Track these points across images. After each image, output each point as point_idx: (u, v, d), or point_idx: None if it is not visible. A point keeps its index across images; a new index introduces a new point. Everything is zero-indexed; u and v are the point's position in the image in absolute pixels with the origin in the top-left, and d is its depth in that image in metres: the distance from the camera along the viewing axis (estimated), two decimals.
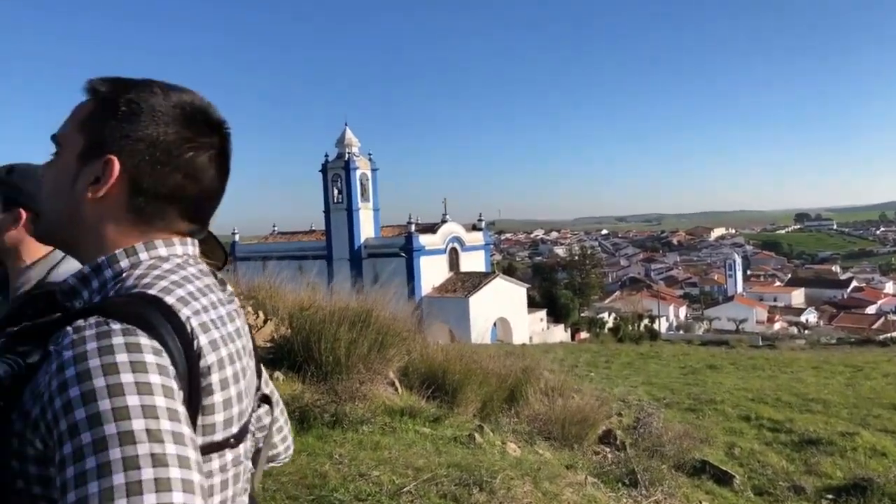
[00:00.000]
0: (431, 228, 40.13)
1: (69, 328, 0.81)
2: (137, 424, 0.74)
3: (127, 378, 0.77)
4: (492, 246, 48.55)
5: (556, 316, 43.66)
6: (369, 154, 42.89)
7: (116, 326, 0.81)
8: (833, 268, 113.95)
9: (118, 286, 0.90)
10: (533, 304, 41.50)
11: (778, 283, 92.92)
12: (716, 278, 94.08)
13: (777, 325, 58.89)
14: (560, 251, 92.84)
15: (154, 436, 0.74)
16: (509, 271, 51.45)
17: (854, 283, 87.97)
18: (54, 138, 1.01)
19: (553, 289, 47.08)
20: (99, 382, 0.76)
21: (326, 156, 42.35)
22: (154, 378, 0.78)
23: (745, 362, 19.23)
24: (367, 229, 40.71)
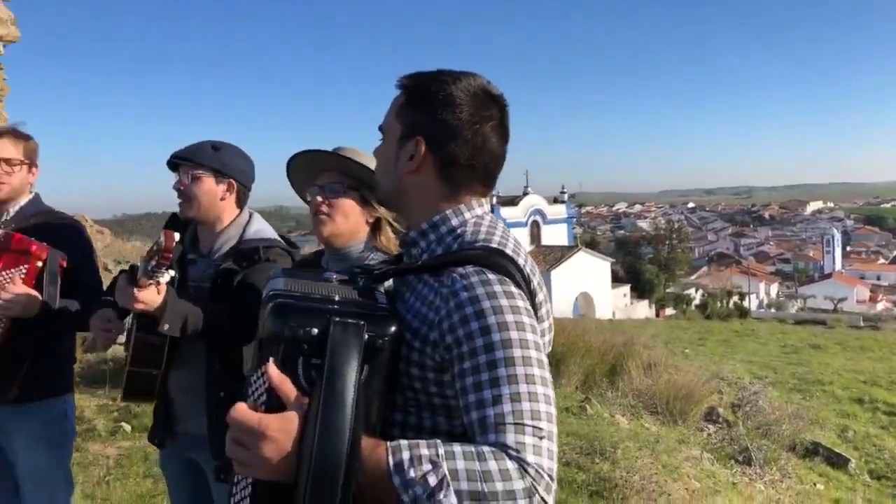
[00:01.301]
0: (513, 201, 39.88)
1: (455, 274, 1.09)
2: (521, 352, 1.02)
3: (509, 318, 1.04)
4: (574, 219, 47.72)
5: (640, 292, 42.70)
6: None
7: (493, 276, 1.09)
8: None
9: (458, 239, 1.18)
10: (616, 279, 40.72)
11: (882, 261, 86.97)
12: (811, 254, 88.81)
13: (880, 306, 55.17)
14: (644, 225, 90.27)
15: (532, 362, 1.03)
16: (591, 245, 50.48)
17: None
18: (380, 128, 1.29)
19: (637, 264, 46.00)
20: (490, 320, 1.04)
21: None
22: (525, 318, 1.06)
23: (853, 343, 18.27)
24: None
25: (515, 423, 0.98)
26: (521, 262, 1.16)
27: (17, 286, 2.18)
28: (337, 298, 1.11)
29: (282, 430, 0.94)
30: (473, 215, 1.22)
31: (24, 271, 2.23)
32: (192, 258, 2.21)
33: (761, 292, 57.03)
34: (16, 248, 2.24)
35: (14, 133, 2.44)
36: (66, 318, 2.35)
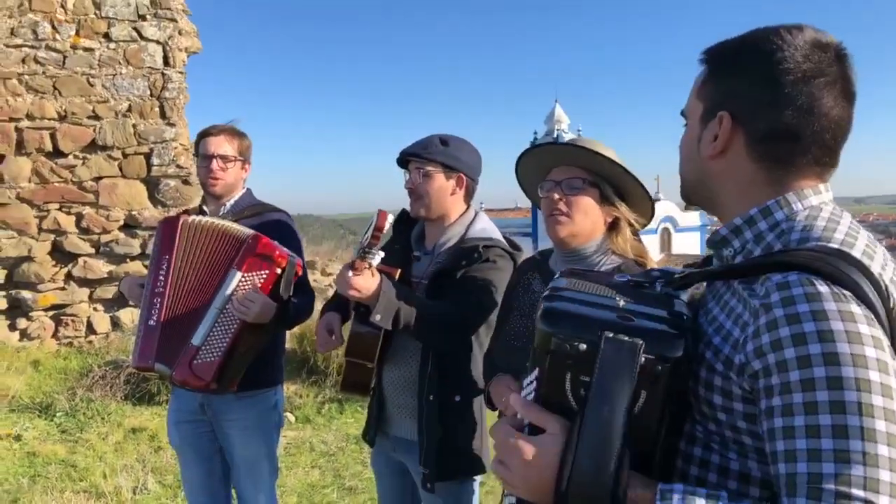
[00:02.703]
0: None
1: (771, 283, 0.85)
2: (857, 396, 0.76)
3: (841, 347, 0.78)
4: (708, 227, 45.30)
5: None
6: (578, 129, 42.17)
7: (824, 288, 0.82)
8: None
9: (783, 237, 0.92)
10: None
11: None
12: None
13: None
14: None
15: (872, 411, 0.76)
16: None
17: None
18: (682, 113, 1.09)
19: None
20: (814, 349, 0.79)
21: (535, 133, 42.42)
22: (868, 350, 0.78)
23: None
24: None
25: (839, 494, 0.74)
26: (875, 270, 0.85)
27: (257, 293, 2.22)
28: (621, 304, 0.95)
29: (539, 455, 0.88)
30: (807, 206, 0.94)
31: (263, 276, 2.28)
32: (416, 255, 2.19)
33: None
34: (260, 252, 2.29)
35: (231, 131, 2.55)
36: (290, 321, 2.45)
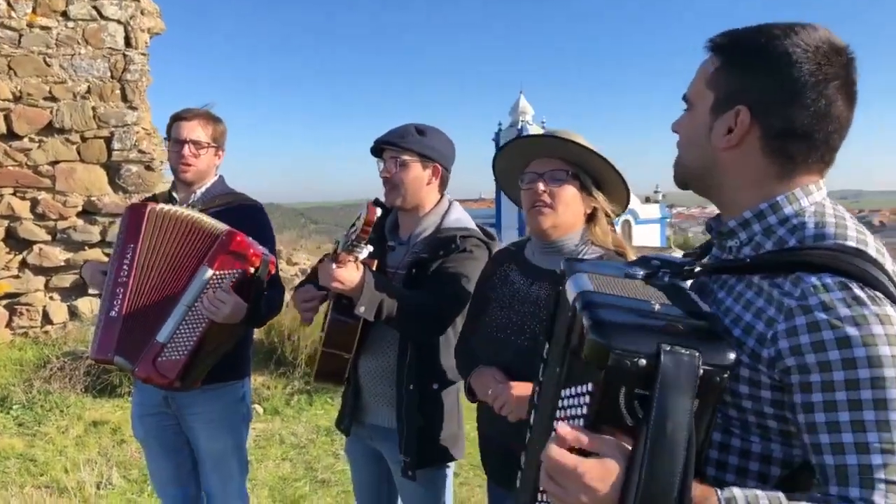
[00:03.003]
0: None
1: (808, 285, 0.89)
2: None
3: (884, 350, 0.85)
4: (668, 220, 46.24)
5: None
6: (542, 122, 42.44)
7: (862, 294, 0.88)
8: None
9: (796, 232, 0.97)
10: None
11: None
12: None
13: None
14: None
15: None
16: (684, 247, 48.71)
17: None
18: (685, 98, 1.10)
19: None
20: (859, 352, 0.85)
21: (500, 124, 42.52)
22: None
23: None
24: None
25: (888, 482, 0.83)
26: (889, 267, 0.92)
27: (228, 294, 2.13)
28: (657, 308, 0.94)
29: (601, 479, 0.85)
30: (812, 201, 0.99)
31: (236, 276, 2.18)
32: (391, 245, 2.18)
33: None
34: (234, 249, 2.19)
35: (206, 116, 2.44)
36: (262, 320, 2.38)
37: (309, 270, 2.43)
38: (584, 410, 0.92)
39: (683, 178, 1.12)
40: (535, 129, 41.36)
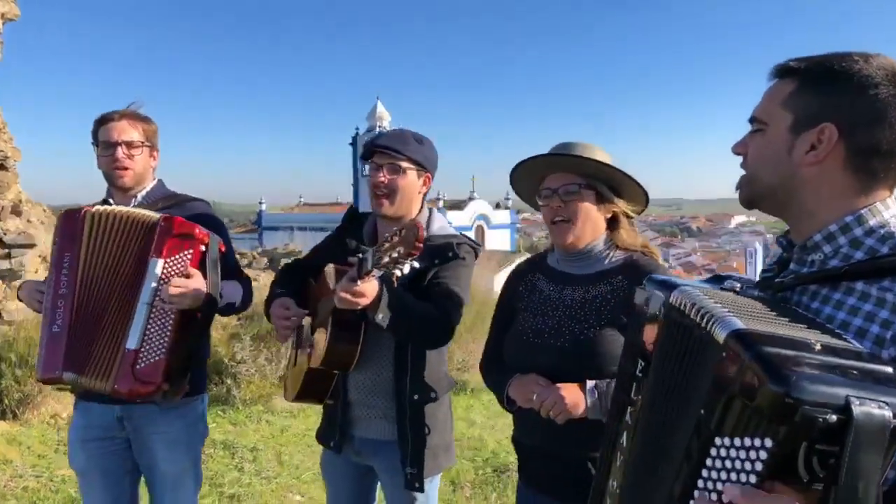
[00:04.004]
0: (458, 205, 40.20)
1: None
2: None
3: None
4: (518, 225, 48.58)
5: None
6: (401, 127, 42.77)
7: None
8: None
9: (888, 241, 1.03)
10: None
11: None
12: (735, 266, 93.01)
13: None
14: None
15: None
16: (532, 251, 51.36)
17: None
18: (752, 119, 1.16)
19: None
20: None
21: (357, 129, 42.35)
22: None
23: None
24: None
25: None
26: None
27: (185, 278, 2.03)
28: (818, 347, 0.86)
29: None
30: (890, 214, 1.06)
31: (189, 256, 2.09)
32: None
33: None
34: (178, 232, 2.09)
35: (134, 115, 2.32)
36: (228, 309, 2.29)
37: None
38: (759, 467, 0.84)
39: (754, 195, 1.16)
40: None
